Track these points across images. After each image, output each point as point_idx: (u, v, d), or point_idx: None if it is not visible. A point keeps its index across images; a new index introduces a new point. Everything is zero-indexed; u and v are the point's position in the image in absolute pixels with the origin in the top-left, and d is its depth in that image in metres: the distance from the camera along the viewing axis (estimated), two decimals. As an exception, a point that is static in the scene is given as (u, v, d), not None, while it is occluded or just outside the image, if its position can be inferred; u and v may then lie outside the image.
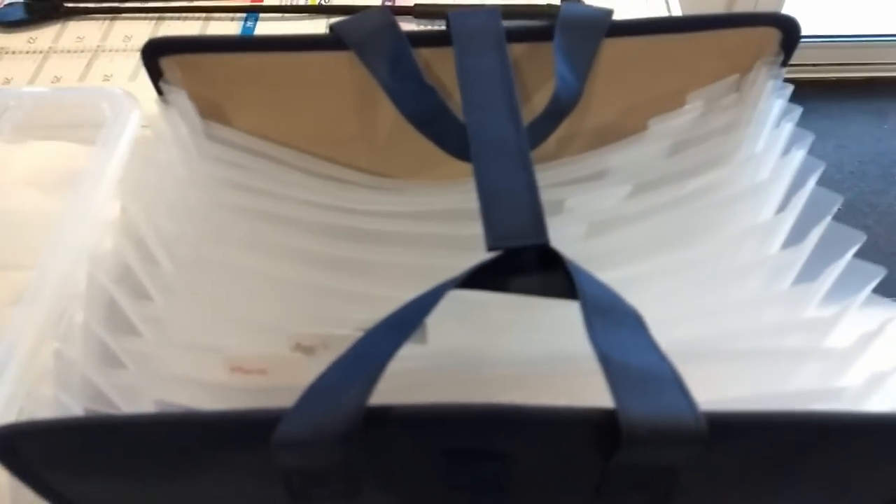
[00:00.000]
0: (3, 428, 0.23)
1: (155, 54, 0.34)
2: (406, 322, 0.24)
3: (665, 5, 0.71)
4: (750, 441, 0.23)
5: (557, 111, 0.31)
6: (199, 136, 0.35)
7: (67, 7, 0.82)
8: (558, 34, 0.33)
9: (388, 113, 0.36)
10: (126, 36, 0.80)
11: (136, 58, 0.76)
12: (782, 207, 0.31)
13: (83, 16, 0.82)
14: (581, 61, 0.33)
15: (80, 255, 0.41)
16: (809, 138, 0.31)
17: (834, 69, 1.73)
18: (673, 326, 0.27)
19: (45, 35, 0.80)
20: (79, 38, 0.80)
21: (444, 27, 0.33)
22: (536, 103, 0.35)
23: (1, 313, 0.42)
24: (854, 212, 1.56)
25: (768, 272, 0.30)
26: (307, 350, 0.27)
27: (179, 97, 0.34)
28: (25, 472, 0.25)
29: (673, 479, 0.24)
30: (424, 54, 0.34)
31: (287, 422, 0.22)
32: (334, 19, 0.39)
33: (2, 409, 0.36)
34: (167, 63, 0.34)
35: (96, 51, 0.78)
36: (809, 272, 0.29)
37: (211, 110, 0.36)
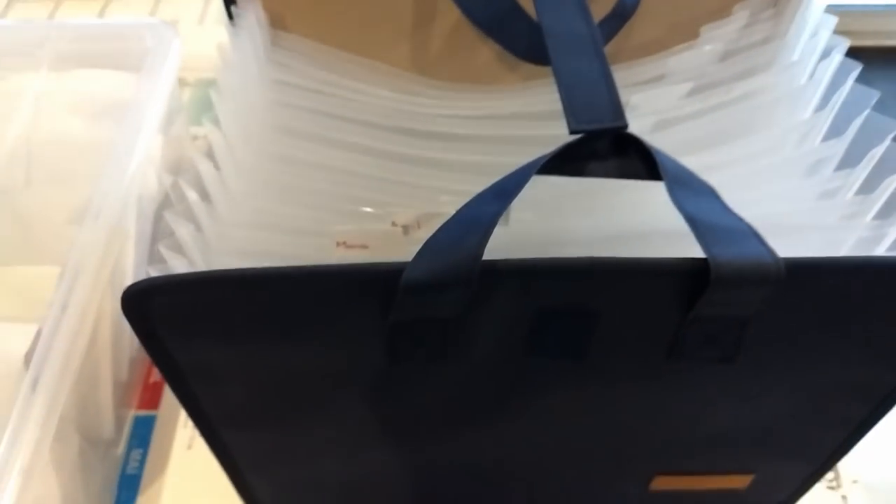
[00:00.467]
0: (135, 284, 0.25)
1: (229, -35, 0.35)
2: (504, 191, 0.26)
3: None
4: (818, 287, 0.26)
5: (622, 11, 0.34)
6: (268, 46, 0.36)
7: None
8: (616, -54, 0.35)
9: (441, 23, 0.38)
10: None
11: (150, 3, 0.77)
12: (821, 107, 0.34)
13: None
14: (637, -28, 0.35)
15: (133, 181, 0.42)
16: (844, 44, 0.34)
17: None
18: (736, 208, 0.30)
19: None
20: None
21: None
22: (598, 8, 0.37)
23: (60, 232, 0.43)
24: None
25: (810, 164, 0.33)
26: (404, 228, 0.29)
27: (252, 6, 0.36)
28: (148, 334, 0.27)
29: (743, 332, 0.27)
30: (487, -34, 0.36)
31: (413, 268, 0.24)
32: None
33: (79, 314, 0.37)
34: (239, -25, 0.36)
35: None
36: (851, 160, 0.32)
37: (280, 21, 0.37)
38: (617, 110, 0.28)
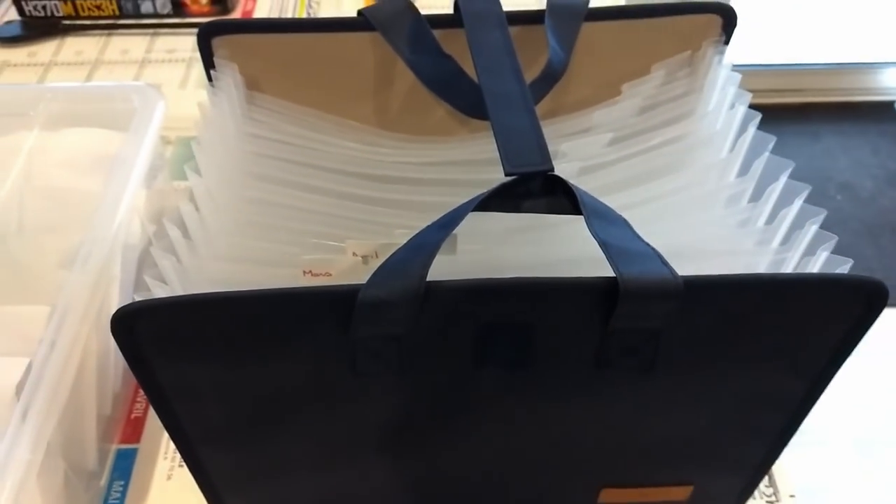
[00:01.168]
0: (124, 307, 0.29)
1: (209, 35, 0.40)
2: (448, 223, 0.30)
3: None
4: (717, 303, 0.30)
5: (551, 74, 0.39)
6: (244, 104, 0.41)
7: (65, 24, 0.87)
8: (548, 16, 0.40)
9: (400, 85, 0.43)
10: (123, 50, 0.85)
11: (135, 69, 0.82)
12: (731, 149, 0.39)
13: (81, 32, 0.87)
14: (566, 37, 0.40)
15: (119, 228, 0.46)
16: (747, 96, 0.39)
17: (771, 94, 1.88)
18: (653, 238, 0.35)
19: (45, 49, 0.85)
20: (78, 52, 0.85)
21: (451, 12, 0.40)
22: (531, 73, 0.42)
23: (51, 275, 0.47)
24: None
25: (727, 197, 0.38)
26: (363, 258, 0.33)
27: (229, 70, 0.40)
28: (135, 354, 0.30)
29: (657, 344, 0.31)
30: (437, 35, 0.41)
31: (368, 288, 0.28)
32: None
33: (67, 350, 0.40)
34: (218, 43, 0.41)
35: (95, 63, 0.84)
36: (756, 195, 0.37)
37: (253, 83, 0.42)
38: (545, 156, 0.33)
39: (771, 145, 0.37)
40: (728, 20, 0.43)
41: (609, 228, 0.31)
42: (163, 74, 0.81)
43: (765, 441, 0.39)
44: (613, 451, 0.38)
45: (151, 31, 0.88)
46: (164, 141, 0.70)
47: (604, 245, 0.30)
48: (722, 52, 0.42)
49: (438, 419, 0.35)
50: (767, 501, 0.47)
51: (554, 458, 0.38)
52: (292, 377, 0.32)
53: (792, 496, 0.47)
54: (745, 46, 1.85)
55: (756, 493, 0.48)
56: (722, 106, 0.41)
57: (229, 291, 0.28)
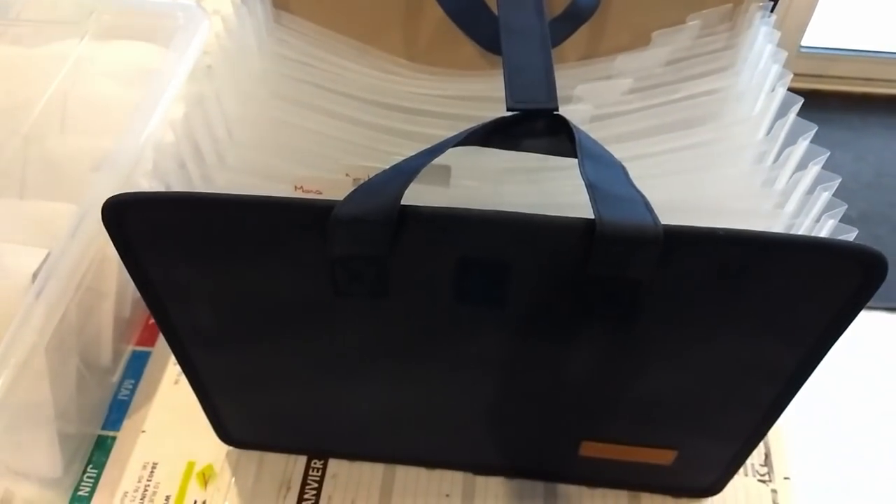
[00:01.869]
0: (114, 197, 0.30)
1: (240, -51, 0.41)
2: (435, 150, 0.30)
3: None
4: (704, 257, 0.29)
5: (575, 14, 0.38)
6: (270, 20, 0.41)
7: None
8: (581, -46, 0.39)
9: (430, 15, 0.42)
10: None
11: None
12: (763, 108, 0.37)
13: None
14: (599, -22, 0.39)
15: (149, 137, 0.48)
16: (783, 54, 0.37)
17: (860, 83, 1.77)
18: (670, 190, 0.34)
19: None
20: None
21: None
22: (558, 11, 0.41)
23: (84, 176, 0.49)
24: (867, 221, 1.60)
25: (754, 155, 0.36)
26: (355, 180, 0.33)
27: (257, -14, 0.41)
28: (124, 244, 0.31)
29: (636, 293, 0.30)
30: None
31: (343, 205, 0.28)
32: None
33: (84, 244, 0.42)
34: (249, -42, 0.41)
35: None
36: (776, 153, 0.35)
37: (281, 2, 0.42)
38: (550, 94, 0.32)
39: (798, 106, 0.35)
40: (778, -26, 0.40)
41: (602, 172, 0.30)
42: (221, 1, 0.82)
43: (755, 412, 0.37)
44: (595, 402, 0.38)
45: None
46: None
47: (591, 187, 0.29)
48: (766, 8, 0.40)
49: (418, 348, 0.36)
50: (760, 480, 0.46)
51: (533, 403, 0.38)
52: (276, 289, 0.33)
53: (787, 478, 0.46)
54: (836, 29, 1.75)
55: (750, 469, 0.47)
56: (758, 64, 0.39)
57: (209, 193, 0.29)
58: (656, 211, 0.29)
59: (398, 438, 0.43)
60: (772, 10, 0.41)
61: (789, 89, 0.36)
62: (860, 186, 1.67)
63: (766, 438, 0.48)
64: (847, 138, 1.74)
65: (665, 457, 0.41)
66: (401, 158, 0.36)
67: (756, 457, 0.47)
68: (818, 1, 1.63)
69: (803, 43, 1.69)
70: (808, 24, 1.67)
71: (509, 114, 0.32)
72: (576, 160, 0.30)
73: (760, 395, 0.36)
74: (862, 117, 1.79)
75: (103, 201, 0.44)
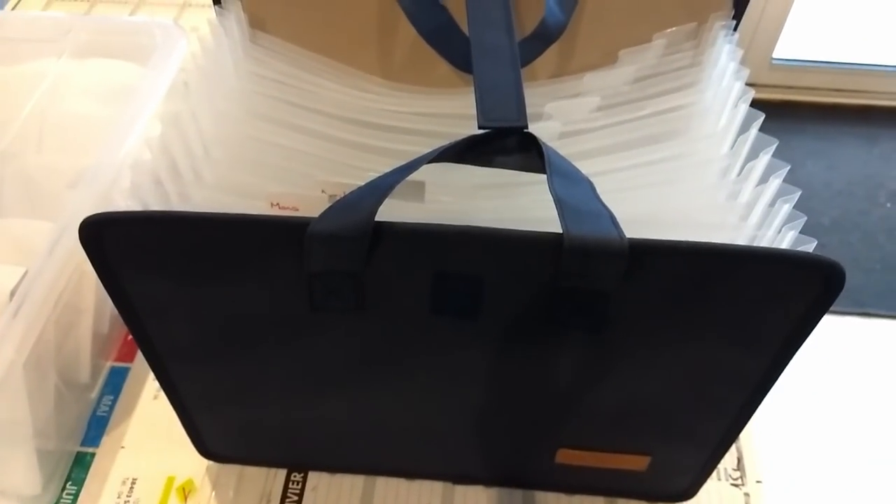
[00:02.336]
0: (91, 216, 0.30)
1: (218, -30, 0.41)
2: (409, 167, 0.31)
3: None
4: (670, 270, 0.30)
5: (545, 35, 0.39)
6: (246, 40, 0.42)
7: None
8: (550, -25, 0.40)
9: (404, 35, 0.43)
10: (167, -10, 0.87)
11: (175, 11, 0.84)
12: (727, 123, 0.38)
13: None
14: (567, -1, 0.40)
15: (127, 155, 0.48)
16: (745, 72, 0.39)
17: (831, 94, 1.81)
18: (637, 204, 0.35)
19: (94, -16, 0.87)
20: (125, -12, 0.87)
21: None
22: (528, 31, 0.42)
23: (60, 194, 0.49)
24: (839, 229, 1.63)
25: (719, 169, 0.37)
26: (331, 197, 0.34)
27: (234, 7, 0.42)
28: (102, 262, 0.32)
29: (605, 305, 0.31)
30: (438, -14, 0.41)
31: (318, 222, 0.29)
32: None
33: (62, 262, 0.43)
34: (227, -21, 0.42)
35: (139, 2, 0.86)
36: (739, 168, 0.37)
37: (258, 22, 0.43)
38: (521, 112, 0.33)
39: (759, 121, 0.37)
40: (739, -6, 0.42)
41: (570, 188, 0.31)
42: (201, 18, 0.83)
43: (724, 417, 0.38)
44: (569, 411, 0.39)
45: (196, -26, 0.89)
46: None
47: (558, 202, 0.30)
48: (729, 27, 0.42)
49: (394, 361, 0.36)
50: (732, 484, 0.47)
51: (509, 413, 0.39)
52: (253, 305, 0.33)
53: (759, 481, 0.47)
54: (807, 41, 1.79)
55: (723, 474, 0.48)
56: (721, 81, 0.40)
57: (186, 212, 0.29)
58: (624, 225, 0.30)
59: (377, 450, 0.43)
60: (734, 29, 0.42)
61: (761, 100, 0.37)
62: (832, 194, 1.70)
63: (738, 443, 0.49)
64: (819, 147, 1.77)
65: (639, 463, 0.42)
66: (375, 175, 0.37)
67: (729, 461, 0.48)
68: (788, 14, 1.67)
69: (774, 55, 1.73)
70: (778, 36, 1.71)
71: (481, 131, 0.33)
72: (542, 176, 0.31)
73: (729, 402, 0.37)
74: (833, 127, 1.83)
75: (81, 219, 0.45)
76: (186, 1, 0.85)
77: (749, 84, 0.39)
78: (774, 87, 1.80)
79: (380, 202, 0.29)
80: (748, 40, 1.74)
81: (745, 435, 0.49)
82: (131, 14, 0.83)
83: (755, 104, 0.37)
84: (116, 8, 0.84)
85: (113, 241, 0.31)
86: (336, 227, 0.29)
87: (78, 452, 0.48)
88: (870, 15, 1.94)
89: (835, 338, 1.43)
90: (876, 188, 1.70)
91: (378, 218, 0.29)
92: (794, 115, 1.89)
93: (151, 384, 0.51)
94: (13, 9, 0.83)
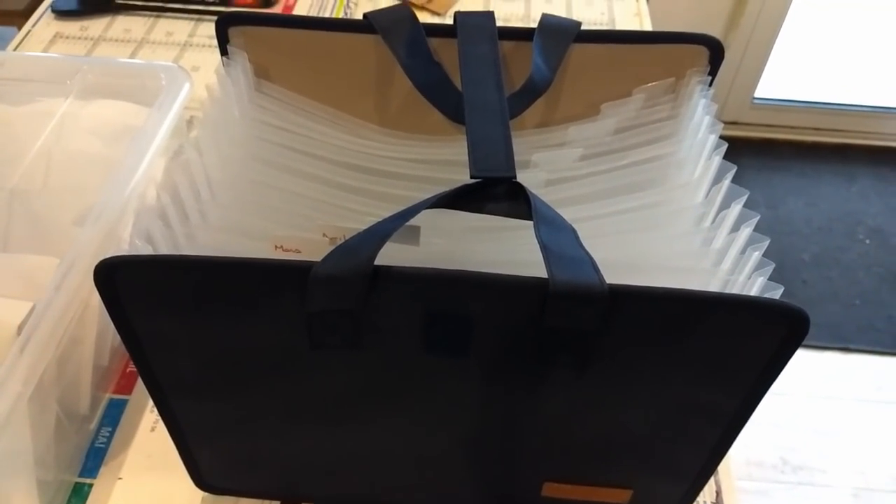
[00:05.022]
0: (108, 259, 0.32)
1: (226, 24, 0.44)
2: (406, 214, 0.33)
3: (638, 21, 0.86)
4: (646, 313, 0.32)
5: (532, 90, 0.41)
6: (251, 89, 0.45)
7: (118, 3, 0.93)
8: (537, 35, 0.43)
9: (400, 86, 0.46)
10: (168, 32, 0.90)
11: (176, 51, 0.87)
12: (701, 174, 0.41)
13: (132, 11, 0.92)
14: (553, 56, 0.43)
15: (133, 193, 0.50)
16: (719, 125, 0.41)
17: (811, 132, 1.87)
18: (615, 250, 0.37)
19: (96, 25, 0.91)
20: (126, 30, 0.90)
21: (451, 22, 0.43)
22: (517, 86, 0.45)
23: (66, 231, 0.51)
24: (819, 264, 1.67)
25: (694, 217, 0.40)
26: (332, 240, 0.36)
27: (240, 58, 0.44)
28: (113, 301, 0.34)
29: (586, 345, 0.33)
30: (433, 42, 0.44)
31: (321, 265, 0.31)
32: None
33: (68, 298, 0.44)
34: (234, 32, 0.44)
35: (141, 42, 0.89)
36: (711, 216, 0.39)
37: (262, 72, 0.45)
38: (510, 164, 0.36)
39: (731, 174, 0.39)
40: (714, 52, 0.45)
41: (555, 235, 0.33)
42: (201, 59, 0.86)
43: (701, 451, 0.40)
44: (553, 446, 0.40)
45: (197, 16, 0.92)
46: (193, 121, 0.74)
47: (544, 248, 0.32)
48: (705, 82, 0.45)
49: (388, 396, 0.38)
50: (711, 517, 0.49)
51: (498, 447, 0.41)
52: (256, 342, 0.35)
53: (736, 515, 0.49)
54: (787, 81, 1.84)
55: (701, 507, 0.49)
56: (697, 133, 0.43)
57: (197, 256, 0.31)
58: (604, 269, 0.32)
59: (370, 480, 0.45)
60: (710, 85, 0.45)
61: (743, 138, 0.40)
62: (812, 231, 1.74)
63: (717, 476, 0.51)
64: (799, 185, 1.82)
65: (622, 496, 0.44)
66: (374, 219, 0.39)
67: (708, 494, 0.50)
68: (769, 55, 1.72)
69: (756, 94, 1.78)
70: (760, 76, 1.77)
71: (473, 180, 0.35)
72: (528, 222, 0.34)
73: (705, 436, 0.39)
74: (813, 165, 1.88)
75: (88, 256, 0.47)
76: (187, 41, 0.88)
77: (731, 122, 0.41)
78: (756, 125, 1.85)
79: (379, 247, 0.31)
80: (730, 80, 1.80)
81: (723, 468, 0.51)
82: (132, 55, 0.86)
83: (737, 142, 0.40)
84: (117, 48, 0.87)
85: (125, 281, 0.33)
86: (338, 270, 0.31)
87: (76, 483, 0.49)
88: (848, 57, 2.00)
89: (815, 372, 1.46)
90: (855, 225, 1.75)
91: (376, 260, 0.31)
92: (775, 153, 1.95)
93: (149, 416, 0.53)
94: (15, 49, 0.86)
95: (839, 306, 1.57)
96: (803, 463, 1.28)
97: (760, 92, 1.78)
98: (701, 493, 0.46)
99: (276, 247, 0.36)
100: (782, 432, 1.33)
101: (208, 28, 0.91)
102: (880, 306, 1.54)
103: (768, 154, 1.87)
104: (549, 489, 0.44)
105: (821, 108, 1.83)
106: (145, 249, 0.34)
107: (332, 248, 0.37)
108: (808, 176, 1.83)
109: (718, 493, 0.50)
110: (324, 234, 0.36)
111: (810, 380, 1.43)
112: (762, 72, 1.75)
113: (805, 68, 1.95)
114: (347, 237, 0.37)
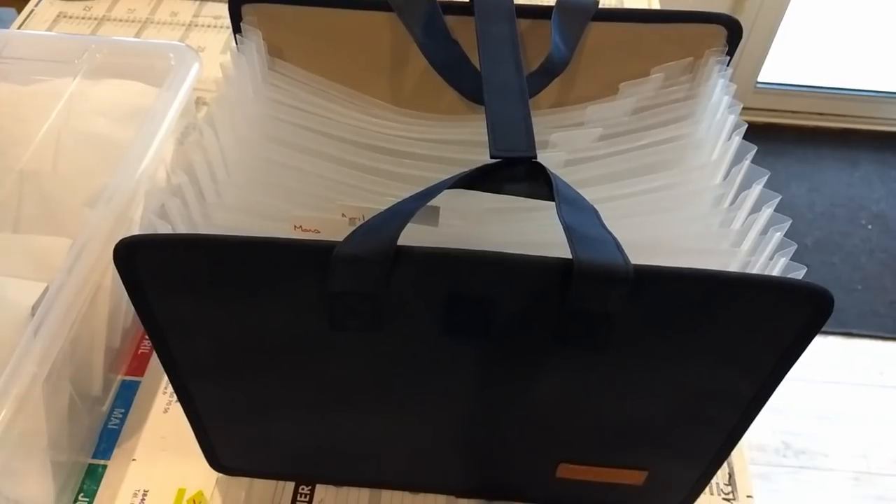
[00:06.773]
0: (126, 238, 0.32)
1: (239, 2, 0.43)
2: (427, 194, 0.33)
3: (647, 1, 0.85)
4: (669, 294, 0.32)
5: (550, 69, 0.41)
6: (265, 67, 0.44)
7: (124, -19, 0.91)
8: (555, 13, 0.43)
9: (415, 64, 0.45)
10: (172, 12, 0.89)
11: (181, 31, 0.86)
12: (720, 155, 0.41)
13: (136, -10, 0.91)
14: (571, 35, 0.42)
15: (143, 174, 0.50)
16: (739, 105, 0.41)
17: (813, 117, 1.86)
18: (635, 230, 0.37)
19: (100, 5, 0.90)
20: (130, 9, 0.89)
21: (467, 0, 0.43)
22: (534, 65, 0.44)
23: (76, 211, 0.51)
24: (822, 250, 1.67)
25: (713, 198, 0.39)
26: (351, 220, 0.36)
27: (254, 36, 0.43)
28: (133, 282, 0.33)
29: (609, 326, 0.33)
30: (449, 20, 0.44)
31: (344, 245, 0.31)
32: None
33: (81, 279, 0.44)
34: (247, 10, 0.44)
35: (145, 22, 0.88)
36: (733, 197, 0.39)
37: (276, 50, 0.45)
38: (530, 144, 0.35)
39: (752, 154, 0.39)
40: (733, 32, 0.44)
41: (577, 215, 0.33)
42: (206, 39, 0.85)
43: (718, 435, 0.40)
44: (571, 427, 0.40)
45: (201, -4, 0.91)
46: (200, 102, 0.73)
47: (567, 229, 0.32)
48: (723, 62, 0.44)
49: (406, 379, 0.38)
50: (724, 499, 0.49)
51: (515, 429, 0.41)
52: (275, 324, 0.35)
53: (749, 496, 0.49)
54: (790, 66, 1.83)
55: (715, 489, 0.50)
56: (716, 114, 0.42)
57: (218, 235, 0.31)
58: (625, 250, 0.32)
59: (384, 464, 0.45)
60: (728, 64, 0.45)
61: (747, 122, 0.40)
62: (815, 216, 1.74)
63: (730, 459, 0.51)
64: (802, 170, 1.82)
65: (636, 477, 0.44)
66: (390, 198, 0.39)
67: (721, 476, 0.50)
68: (773, 40, 1.72)
69: (759, 79, 1.78)
70: (763, 61, 1.76)
71: (493, 161, 0.35)
72: (548, 203, 0.33)
73: (722, 420, 0.39)
74: (815, 150, 1.88)
75: (100, 237, 0.46)
76: (192, 21, 0.87)
77: (734, 107, 0.41)
78: (759, 110, 1.85)
79: (402, 227, 0.31)
80: (734, 65, 1.79)
81: (736, 451, 0.51)
82: (136, 35, 0.85)
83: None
84: (122, 28, 0.86)
85: (145, 261, 0.32)
86: (360, 250, 0.31)
87: (90, 464, 0.49)
88: (851, 42, 1.99)
89: (817, 357, 1.46)
90: (857, 210, 1.75)
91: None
92: (778, 138, 1.94)
93: (161, 397, 0.53)
94: (19, 27, 0.85)
95: (841, 291, 1.57)
96: (805, 447, 1.29)
97: (764, 77, 1.77)
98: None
99: (294, 227, 0.36)
100: (784, 417, 1.34)
101: (213, 8, 0.90)
102: (882, 292, 1.54)
103: (771, 139, 1.87)
104: (564, 470, 0.44)
105: (824, 93, 1.83)
106: (163, 227, 0.34)
107: (351, 228, 0.36)
108: (810, 161, 1.83)
109: (731, 475, 0.50)
110: (343, 215, 0.36)
111: (812, 365, 1.43)
112: (765, 57, 1.74)
113: (808, 53, 1.94)
114: (367, 217, 0.37)
